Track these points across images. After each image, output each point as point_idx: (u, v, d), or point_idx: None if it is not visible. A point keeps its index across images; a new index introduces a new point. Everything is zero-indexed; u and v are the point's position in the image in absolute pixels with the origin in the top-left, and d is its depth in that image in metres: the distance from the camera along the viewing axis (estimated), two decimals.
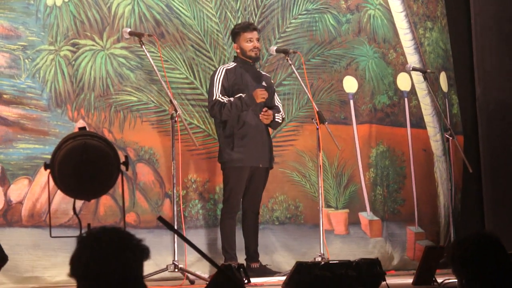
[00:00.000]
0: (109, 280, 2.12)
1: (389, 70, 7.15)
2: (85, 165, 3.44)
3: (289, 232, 6.45)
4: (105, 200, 5.61)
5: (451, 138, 6.45)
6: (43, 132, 5.54)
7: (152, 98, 5.97)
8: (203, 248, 5.92)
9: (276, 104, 6.02)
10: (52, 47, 5.64)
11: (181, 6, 6.20)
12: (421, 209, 7.17)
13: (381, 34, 7.13)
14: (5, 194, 5.40)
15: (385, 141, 7.05)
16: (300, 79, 5.83)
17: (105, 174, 3.47)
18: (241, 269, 4.30)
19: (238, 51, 5.89)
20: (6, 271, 4.99)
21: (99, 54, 5.81)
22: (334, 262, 4.31)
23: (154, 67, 5.45)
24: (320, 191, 5.70)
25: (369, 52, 7.03)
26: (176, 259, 5.17)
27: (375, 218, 6.88)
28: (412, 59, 7.25)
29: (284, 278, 4.52)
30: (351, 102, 6.90)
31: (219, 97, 5.71)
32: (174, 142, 5.35)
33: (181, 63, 6.16)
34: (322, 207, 5.70)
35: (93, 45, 5.79)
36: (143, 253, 2.18)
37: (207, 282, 3.77)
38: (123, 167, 3.51)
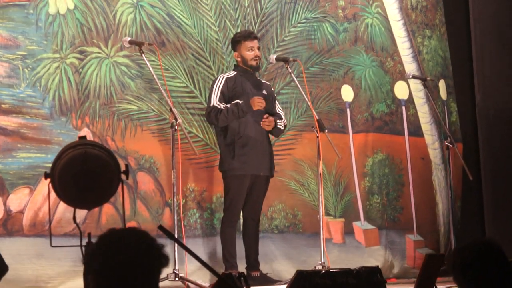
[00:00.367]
0: (126, 281, 2.09)
1: (387, 79, 7.17)
2: (86, 174, 3.44)
3: (288, 241, 6.45)
4: (107, 209, 5.61)
5: (451, 145, 6.46)
6: (44, 141, 5.54)
7: (152, 107, 5.98)
8: (203, 257, 5.92)
9: (278, 112, 6.02)
10: (57, 55, 5.64)
11: (182, 15, 6.22)
12: (420, 217, 7.17)
13: (379, 42, 7.15)
14: (5, 204, 5.39)
15: (384, 149, 7.06)
16: (300, 87, 5.84)
17: (106, 183, 3.47)
18: (242, 278, 4.29)
19: (239, 59, 5.89)
20: (8, 281, 4.96)
21: (104, 61, 5.83)
22: (334, 270, 4.30)
23: (154, 75, 5.47)
24: (320, 199, 5.70)
25: (366, 61, 7.05)
26: (176, 268, 5.17)
27: (370, 227, 6.87)
28: (410, 67, 7.27)
29: (284, 286, 4.52)
30: (348, 111, 6.91)
31: (216, 103, 5.71)
32: (174, 151, 5.36)
33: (182, 71, 6.18)
34: (322, 215, 5.70)
35: (99, 53, 5.81)
36: (166, 260, 2.17)
37: None
38: (123, 176, 3.51)
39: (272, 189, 6.10)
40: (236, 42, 5.90)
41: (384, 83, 7.15)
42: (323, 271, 4.25)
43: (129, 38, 5.67)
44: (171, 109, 5.38)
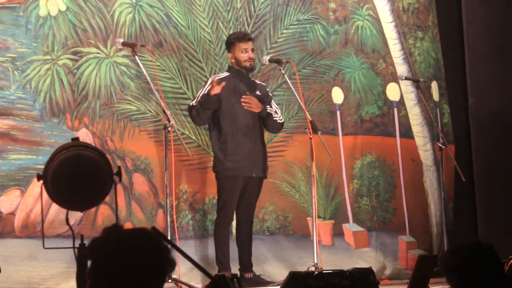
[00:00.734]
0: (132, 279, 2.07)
1: (378, 81, 7.18)
2: (78, 176, 3.43)
3: (279, 243, 6.45)
4: (103, 210, 5.61)
5: (443, 147, 6.46)
6: (35, 143, 5.53)
7: (149, 108, 5.98)
8: (194, 258, 5.89)
9: (274, 110, 5.99)
10: (48, 57, 5.64)
11: (178, 16, 6.22)
12: (412, 219, 7.18)
13: (369, 44, 7.16)
14: None
15: (374, 151, 7.06)
16: (293, 88, 5.84)
17: (98, 185, 3.47)
18: (235, 279, 4.29)
19: (233, 61, 5.88)
20: (0, 283, 4.97)
21: (104, 61, 5.82)
22: (327, 272, 4.30)
23: (147, 77, 5.47)
24: (313, 201, 5.70)
25: (356, 63, 7.06)
26: None
27: (360, 229, 6.88)
28: (402, 69, 7.27)
29: None
30: (338, 113, 6.92)
31: (193, 103, 5.70)
32: (167, 152, 5.35)
33: (176, 72, 6.18)
34: (315, 217, 5.70)
35: (97, 53, 5.81)
36: (174, 264, 2.14)
37: None
38: (116, 178, 3.51)
39: (263, 191, 6.09)
40: (230, 43, 5.88)
41: (375, 85, 7.16)
42: (316, 272, 4.25)
43: (121, 40, 5.67)
44: (164, 111, 5.38)
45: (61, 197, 3.44)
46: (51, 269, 5.37)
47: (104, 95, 5.80)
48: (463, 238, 6.26)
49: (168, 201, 5.34)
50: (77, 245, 3.35)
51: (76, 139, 3.60)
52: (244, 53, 5.83)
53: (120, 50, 5.82)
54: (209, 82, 5.78)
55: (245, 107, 5.76)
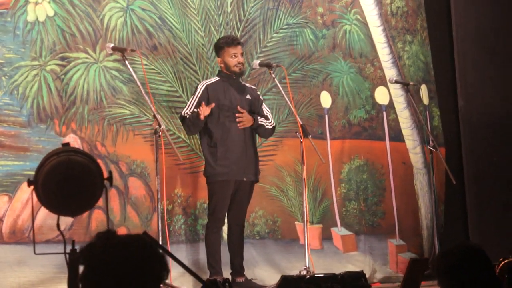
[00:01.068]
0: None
1: (366, 85, 7.19)
2: (69, 181, 3.42)
3: (269, 247, 6.45)
4: (97, 215, 5.60)
5: (434, 150, 6.47)
6: (23, 149, 5.51)
7: (144, 111, 5.97)
8: (186, 263, 5.89)
9: (265, 114, 5.99)
10: (35, 63, 5.62)
11: (172, 19, 6.22)
12: (402, 222, 7.19)
13: (357, 49, 7.17)
14: None
15: (362, 155, 7.07)
16: (283, 92, 5.84)
17: (89, 190, 3.45)
18: (227, 284, 4.28)
19: (222, 65, 5.87)
20: None
21: (93, 66, 5.81)
22: (319, 275, 4.30)
23: (137, 81, 5.46)
24: (304, 205, 5.70)
25: (344, 67, 7.07)
26: None
27: (348, 233, 6.89)
28: (390, 72, 7.28)
29: None
30: (326, 117, 6.94)
31: (185, 113, 5.70)
32: (159, 157, 5.35)
33: (172, 76, 6.17)
34: (306, 221, 5.70)
35: (86, 58, 5.79)
36: (168, 270, 2.13)
37: None
38: (107, 183, 3.50)
39: (253, 195, 6.10)
40: (219, 48, 5.87)
41: (363, 89, 7.17)
42: (308, 276, 4.25)
43: (111, 45, 5.65)
44: (154, 116, 5.38)
45: (51, 202, 3.43)
46: (41, 274, 5.35)
47: (93, 100, 5.78)
48: (454, 241, 6.28)
49: (159, 206, 5.33)
50: (68, 250, 3.34)
51: (66, 144, 3.59)
52: (233, 57, 5.82)
53: (111, 54, 5.81)
54: (198, 88, 5.79)
55: (239, 126, 5.75)
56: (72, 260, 3.25)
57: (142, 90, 5.45)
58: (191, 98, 5.78)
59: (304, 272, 5.37)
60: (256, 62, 6.01)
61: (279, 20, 6.76)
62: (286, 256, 6.37)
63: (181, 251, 5.94)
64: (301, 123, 5.73)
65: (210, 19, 6.40)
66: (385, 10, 7.38)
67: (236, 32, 6.49)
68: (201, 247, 5.90)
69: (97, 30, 5.86)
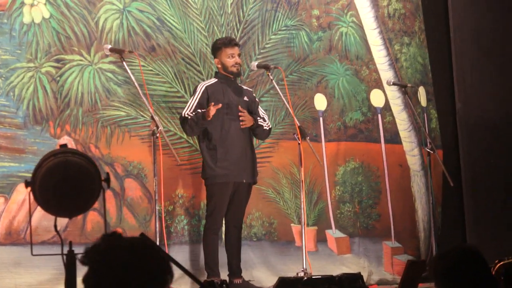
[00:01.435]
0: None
1: (362, 87, 7.20)
2: (67, 182, 3.41)
3: (265, 249, 6.45)
4: (92, 216, 5.60)
5: (432, 152, 6.47)
6: (18, 150, 5.51)
7: (142, 113, 5.97)
8: (188, 264, 5.91)
9: (261, 115, 6.00)
10: (31, 64, 5.62)
11: (172, 19, 6.22)
12: (399, 224, 7.19)
13: (353, 51, 7.18)
14: None
15: (357, 157, 7.08)
16: (281, 94, 5.85)
17: (87, 191, 3.45)
18: (224, 285, 4.28)
19: (219, 66, 5.88)
20: None
21: (87, 69, 5.81)
22: (316, 277, 4.30)
23: (135, 82, 5.46)
24: (302, 206, 5.70)
25: (340, 70, 7.08)
26: None
27: (342, 235, 6.90)
28: (387, 75, 7.30)
29: None
30: (321, 119, 6.94)
31: (187, 114, 5.70)
32: (157, 158, 5.35)
33: (172, 76, 6.18)
34: (304, 223, 5.70)
35: (80, 60, 5.79)
36: (173, 274, 2.12)
37: None
38: (104, 184, 3.49)
39: (252, 196, 6.10)
40: (217, 49, 5.88)
41: (359, 91, 7.18)
42: (305, 278, 4.25)
43: (109, 46, 5.66)
44: (152, 117, 5.38)
45: (49, 203, 3.42)
46: (37, 276, 5.35)
47: (87, 102, 5.79)
48: (452, 243, 6.30)
49: (156, 207, 5.33)
50: (65, 251, 3.34)
51: (64, 145, 3.59)
52: (230, 58, 5.83)
53: (106, 56, 5.81)
54: (198, 89, 5.79)
55: (241, 126, 5.76)
56: (70, 261, 3.25)
57: (140, 92, 5.45)
58: (191, 99, 5.77)
59: (302, 274, 5.38)
60: (254, 64, 6.02)
61: (278, 22, 6.77)
62: (282, 258, 6.38)
63: (185, 252, 5.96)
64: (299, 124, 5.74)
65: (214, 19, 6.41)
66: (381, 13, 7.39)
67: (236, 33, 6.50)
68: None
69: (92, 32, 5.87)
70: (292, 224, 6.61)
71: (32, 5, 5.68)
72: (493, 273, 3.59)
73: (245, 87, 6.10)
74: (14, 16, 5.61)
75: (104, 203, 3.47)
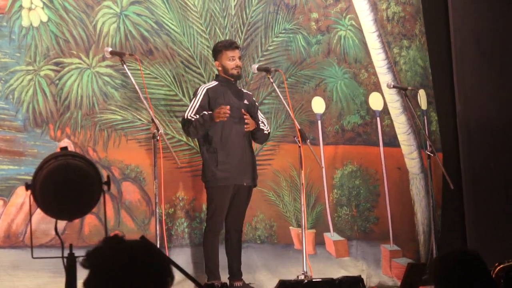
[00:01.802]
0: None
1: (361, 90, 7.21)
2: (67, 185, 3.41)
3: (268, 251, 6.46)
4: (89, 220, 5.60)
5: (432, 155, 6.47)
6: (18, 153, 5.52)
7: (138, 116, 5.97)
8: (189, 267, 5.92)
9: (261, 119, 6.01)
10: (30, 68, 5.63)
11: (170, 23, 6.23)
12: (397, 227, 7.20)
13: (352, 54, 7.19)
14: None
15: (355, 160, 7.08)
16: (281, 97, 5.86)
17: (87, 194, 3.45)
18: None
19: (220, 69, 5.89)
20: None
21: (86, 72, 5.82)
22: (317, 280, 4.30)
23: (136, 85, 5.47)
24: (302, 209, 5.70)
25: (338, 73, 7.09)
26: None
27: (340, 238, 6.90)
28: (386, 78, 7.30)
29: None
30: (319, 123, 6.95)
31: (190, 116, 5.70)
32: (157, 161, 5.36)
33: (171, 79, 6.19)
34: (304, 226, 5.70)
35: (79, 63, 5.80)
36: (173, 276, 2.12)
37: None
38: (105, 187, 3.50)
39: (255, 198, 6.11)
40: (217, 51, 5.89)
41: (358, 94, 7.19)
42: (306, 280, 4.25)
43: (110, 49, 5.68)
44: (152, 120, 5.39)
45: (49, 206, 3.42)
46: (36, 279, 5.35)
47: (86, 105, 5.80)
48: (452, 246, 6.31)
49: (157, 210, 5.34)
50: (66, 254, 3.34)
51: (64, 148, 3.59)
52: (231, 60, 5.84)
53: (104, 60, 5.82)
54: (199, 91, 5.79)
55: (246, 128, 5.77)
56: (70, 264, 3.25)
57: (141, 95, 5.46)
58: (193, 101, 5.76)
59: (302, 277, 5.38)
60: (255, 67, 6.04)
61: (279, 25, 6.80)
62: (282, 260, 6.38)
63: (186, 255, 5.96)
64: (299, 127, 5.74)
65: (216, 21, 6.42)
66: (380, 16, 7.41)
67: (240, 34, 6.52)
68: None
69: (90, 36, 5.88)
70: (290, 227, 6.62)
71: (30, 9, 5.69)
72: (493, 276, 3.60)
73: (245, 91, 6.11)
74: (13, 19, 5.62)
75: (105, 206, 3.47)
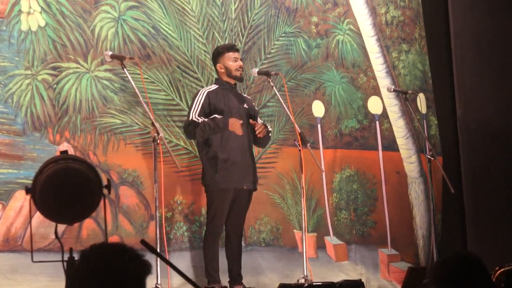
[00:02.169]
0: None
1: (359, 95, 7.22)
2: (67, 189, 3.41)
3: (273, 254, 6.46)
4: (88, 224, 5.59)
5: (432, 158, 6.46)
6: (17, 157, 5.52)
7: (136, 121, 5.98)
8: (189, 270, 5.91)
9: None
10: (28, 72, 5.64)
11: (167, 28, 6.24)
12: (395, 231, 7.20)
13: (350, 59, 7.20)
14: None
15: (353, 165, 7.09)
16: (282, 100, 5.86)
17: (88, 198, 3.44)
18: None
19: (222, 71, 5.87)
20: None
21: (84, 76, 5.83)
22: (317, 284, 4.29)
23: (136, 89, 5.48)
24: (303, 213, 5.70)
25: (336, 77, 7.10)
26: (159, 282, 5.15)
27: (340, 242, 6.90)
28: (384, 82, 7.32)
29: None
30: (319, 126, 6.96)
31: (195, 117, 5.70)
32: (157, 165, 5.36)
33: (167, 84, 6.19)
34: (305, 229, 5.70)
35: (77, 68, 5.81)
36: (145, 268, 2.16)
37: None
38: (105, 191, 3.49)
39: (259, 201, 6.12)
40: (219, 53, 5.88)
41: (355, 99, 7.20)
42: (306, 284, 4.25)
43: (110, 52, 5.68)
44: (153, 123, 5.39)
45: (50, 210, 3.41)
46: (34, 283, 5.35)
47: (85, 109, 5.80)
48: (452, 250, 6.30)
49: (157, 213, 5.33)
50: (66, 258, 3.33)
51: (64, 152, 3.59)
52: (234, 62, 5.83)
53: (102, 64, 5.83)
54: (200, 94, 5.79)
55: (258, 135, 5.75)
56: (70, 268, 3.25)
57: (141, 98, 5.46)
58: (195, 104, 5.74)
59: (302, 281, 5.38)
60: (255, 70, 6.04)
61: (280, 28, 6.81)
62: (287, 264, 6.39)
63: (185, 259, 5.96)
64: (299, 131, 5.74)
65: (214, 26, 6.43)
66: (379, 20, 7.42)
67: (241, 38, 6.53)
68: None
69: (88, 40, 5.89)
70: (294, 230, 6.62)
71: (28, 13, 5.70)
72: (494, 280, 3.60)
73: (244, 95, 6.11)
74: (13, 23, 5.63)
75: (105, 210, 3.47)
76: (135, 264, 2.15)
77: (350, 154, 7.11)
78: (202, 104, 5.74)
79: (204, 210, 6.04)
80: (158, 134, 5.32)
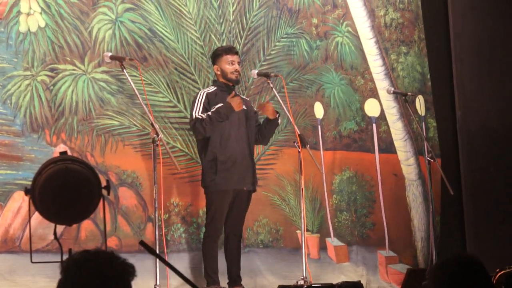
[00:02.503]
0: None
1: (357, 97, 7.22)
2: (66, 190, 3.42)
3: (272, 256, 6.46)
4: (86, 225, 5.59)
5: (432, 160, 6.45)
6: (16, 158, 5.52)
7: (134, 122, 5.98)
8: (186, 272, 5.90)
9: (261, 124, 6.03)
10: (28, 73, 5.64)
11: (164, 30, 6.24)
12: (393, 233, 7.20)
13: (348, 61, 7.21)
14: None
15: (352, 166, 7.09)
16: (281, 102, 5.86)
17: (87, 198, 3.45)
18: None
19: (219, 73, 5.88)
20: None
21: (81, 78, 5.82)
22: (316, 285, 4.29)
23: (135, 90, 5.48)
24: (302, 214, 5.70)
25: (335, 79, 7.11)
26: (158, 283, 5.15)
27: (340, 243, 6.90)
28: (383, 84, 7.32)
29: None
30: (319, 127, 6.97)
31: (199, 115, 5.69)
32: (156, 166, 5.35)
33: (164, 86, 6.19)
34: (304, 230, 5.70)
35: (73, 70, 5.81)
36: (128, 272, 2.17)
37: None
38: (104, 192, 3.49)
39: (258, 203, 6.11)
40: (217, 55, 5.89)
41: (353, 101, 7.20)
42: (305, 286, 4.24)
43: (110, 54, 5.69)
44: (152, 124, 5.39)
45: (49, 211, 3.42)
46: (33, 284, 5.34)
47: (82, 111, 5.80)
48: (452, 251, 6.30)
49: (157, 215, 5.33)
50: (64, 259, 3.33)
51: (64, 153, 3.59)
52: (230, 65, 5.84)
53: (99, 66, 5.83)
54: (199, 95, 5.79)
55: (270, 116, 5.78)
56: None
57: (141, 100, 5.46)
58: (196, 103, 5.73)
59: (301, 282, 5.38)
60: (255, 72, 6.04)
61: (281, 29, 6.82)
62: (289, 265, 6.38)
63: (183, 260, 5.95)
64: (299, 132, 5.74)
65: (211, 28, 6.43)
66: (378, 22, 7.42)
67: (239, 40, 6.53)
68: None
69: (85, 42, 5.88)
70: (297, 231, 6.62)
71: (28, 14, 5.70)
72: (494, 282, 3.60)
73: (242, 97, 6.11)
74: (11, 25, 5.63)
75: (104, 211, 3.47)
76: (120, 270, 2.15)
77: (349, 156, 7.11)
78: (203, 104, 5.74)
79: (201, 212, 6.04)
80: (158, 135, 5.32)
